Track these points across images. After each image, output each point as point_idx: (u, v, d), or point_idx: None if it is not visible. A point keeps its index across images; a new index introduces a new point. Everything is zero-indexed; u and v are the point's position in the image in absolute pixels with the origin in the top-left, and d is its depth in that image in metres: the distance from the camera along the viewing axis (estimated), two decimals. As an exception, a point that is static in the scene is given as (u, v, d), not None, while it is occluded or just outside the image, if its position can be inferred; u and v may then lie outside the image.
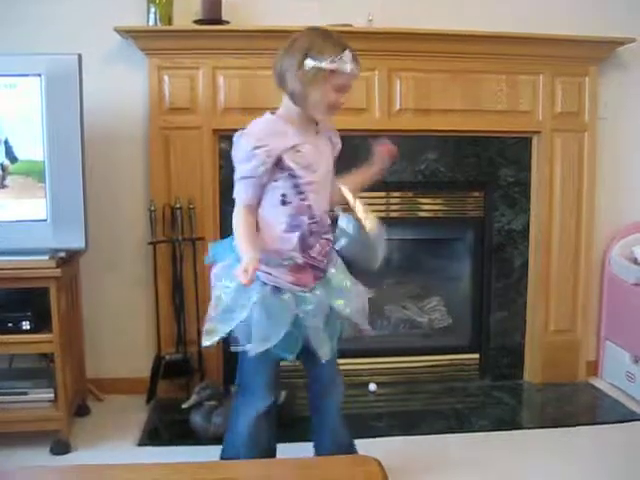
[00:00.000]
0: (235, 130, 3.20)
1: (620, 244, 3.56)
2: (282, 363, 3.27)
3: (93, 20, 3.13)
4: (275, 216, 2.20)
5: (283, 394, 3.05)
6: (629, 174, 3.59)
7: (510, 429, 3.08)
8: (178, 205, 3.17)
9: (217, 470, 1.74)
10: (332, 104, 2.15)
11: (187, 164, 3.20)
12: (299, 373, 3.42)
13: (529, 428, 3.12)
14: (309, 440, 2.81)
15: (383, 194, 3.37)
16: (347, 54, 2.10)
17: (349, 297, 2.33)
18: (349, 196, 2.25)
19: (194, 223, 3.20)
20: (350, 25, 3.16)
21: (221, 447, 2.47)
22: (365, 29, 3.19)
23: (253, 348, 2.19)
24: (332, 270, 2.32)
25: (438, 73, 3.29)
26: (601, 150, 3.49)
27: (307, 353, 2.27)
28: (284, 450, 2.68)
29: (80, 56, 2.71)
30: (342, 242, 2.23)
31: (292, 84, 2.13)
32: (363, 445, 2.69)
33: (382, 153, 2.36)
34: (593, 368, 3.65)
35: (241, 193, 2.18)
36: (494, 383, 3.56)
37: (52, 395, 2.83)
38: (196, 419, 2.91)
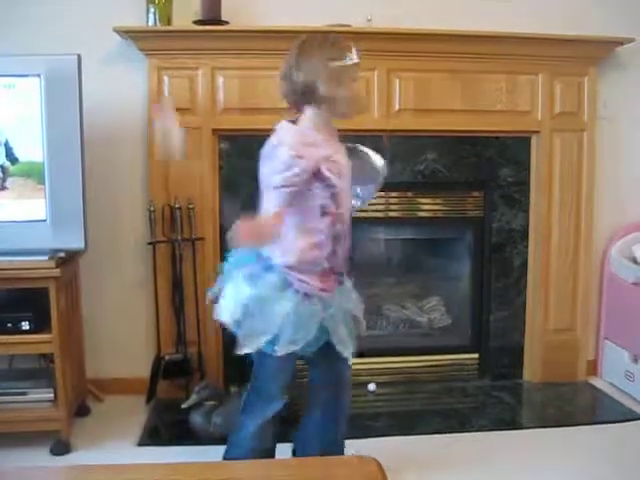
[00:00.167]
0: (234, 130, 3.24)
1: (619, 243, 3.56)
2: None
3: (92, 21, 3.13)
4: (315, 225, 2.21)
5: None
6: (628, 174, 3.59)
7: (510, 429, 3.08)
8: (177, 205, 3.17)
9: (217, 470, 1.73)
10: (356, 95, 2.27)
11: (186, 164, 3.19)
12: (297, 373, 3.45)
13: (529, 428, 3.12)
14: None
15: (383, 194, 3.36)
16: (352, 46, 2.20)
17: (355, 300, 2.39)
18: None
19: (193, 223, 3.20)
20: (349, 25, 3.16)
21: (224, 447, 2.46)
22: (364, 29, 3.19)
23: (279, 351, 2.21)
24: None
25: (437, 73, 3.29)
26: (600, 150, 3.49)
27: (325, 354, 2.29)
28: (284, 450, 2.69)
29: (79, 56, 2.72)
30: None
31: (324, 90, 2.16)
32: (362, 445, 2.70)
33: None
34: (592, 367, 3.66)
35: (278, 201, 2.15)
36: (494, 383, 3.56)
37: (52, 395, 2.83)
38: (196, 419, 2.91)
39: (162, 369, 3.20)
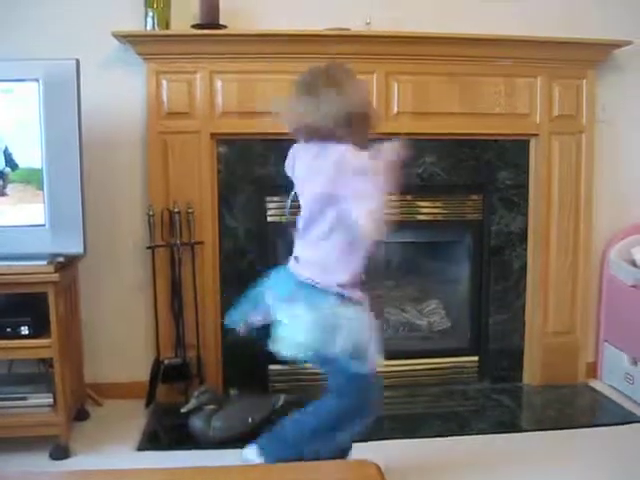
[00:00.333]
0: (233, 134, 3.24)
1: (618, 246, 3.56)
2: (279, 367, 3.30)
3: (91, 25, 3.13)
4: (359, 240, 2.27)
5: (282, 398, 3.06)
6: (627, 176, 3.59)
7: (510, 431, 3.08)
8: (176, 209, 3.17)
9: (217, 475, 1.73)
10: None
11: (185, 168, 3.20)
12: (295, 377, 3.45)
13: (528, 430, 3.11)
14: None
15: (381, 197, 3.36)
16: None
17: None
18: None
19: (193, 227, 3.20)
20: (348, 29, 3.17)
21: (224, 451, 2.46)
22: (363, 32, 3.19)
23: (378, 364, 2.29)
24: None
25: (436, 76, 3.29)
26: (599, 152, 3.49)
27: None
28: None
29: (78, 61, 2.71)
30: None
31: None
32: (362, 448, 2.70)
33: None
34: (592, 370, 3.66)
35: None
36: (493, 385, 3.56)
37: (51, 400, 2.83)
38: (195, 423, 2.91)
39: (161, 373, 3.20)
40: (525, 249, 3.52)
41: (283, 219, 2.54)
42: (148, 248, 3.20)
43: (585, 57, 3.38)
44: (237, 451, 2.77)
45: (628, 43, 3.35)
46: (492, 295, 3.54)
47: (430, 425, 3.12)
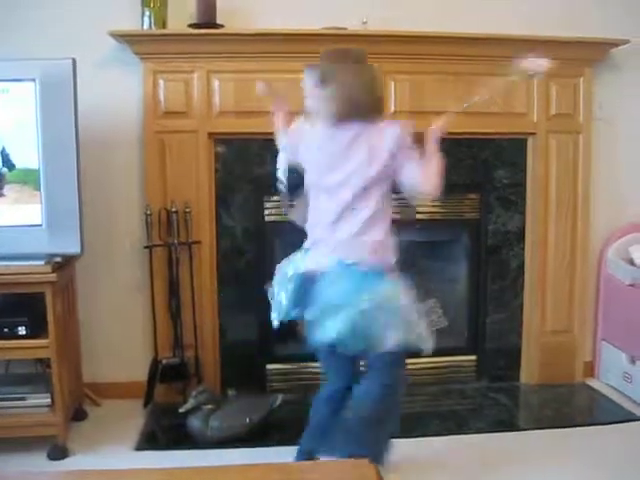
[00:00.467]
0: (230, 134, 3.24)
1: (616, 245, 3.57)
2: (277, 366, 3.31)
3: (88, 24, 3.13)
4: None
5: (279, 398, 3.06)
6: (624, 175, 3.59)
7: (507, 430, 3.08)
8: (174, 209, 3.17)
9: (215, 475, 1.73)
10: None
11: (183, 168, 3.20)
12: (292, 376, 3.45)
13: (526, 429, 3.12)
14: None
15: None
16: None
17: None
18: None
19: (190, 227, 3.20)
20: (345, 28, 3.16)
21: (222, 451, 2.46)
22: (359, 32, 3.19)
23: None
24: None
25: (433, 75, 3.29)
26: (596, 151, 3.49)
27: None
28: (280, 453, 2.70)
29: (74, 61, 2.71)
30: None
31: None
32: (360, 448, 2.70)
33: None
34: (590, 369, 3.66)
35: None
36: (491, 384, 3.56)
37: (49, 400, 2.83)
38: (194, 423, 2.91)
39: (159, 373, 3.20)
40: (522, 248, 3.52)
41: (286, 217, 2.53)
42: (145, 248, 3.20)
43: (582, 56, 3.38)
44: (235, 451, 2.79)
45: (625, 42, 3.35)
46: (490, 294, 3.54)
47: (428, 424, 3.13)
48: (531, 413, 3.41)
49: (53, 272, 2.71)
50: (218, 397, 3.07)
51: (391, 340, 2.25)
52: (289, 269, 2.43)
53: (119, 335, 3.38)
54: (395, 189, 2.40)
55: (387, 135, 2.29)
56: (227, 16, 3.16)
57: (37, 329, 2.77)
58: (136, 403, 3.22)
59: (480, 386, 3.56)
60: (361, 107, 2.31)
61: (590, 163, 3.47)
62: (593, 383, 3.59)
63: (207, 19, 3.13)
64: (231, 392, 3.18)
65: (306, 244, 2.43)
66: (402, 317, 2.30)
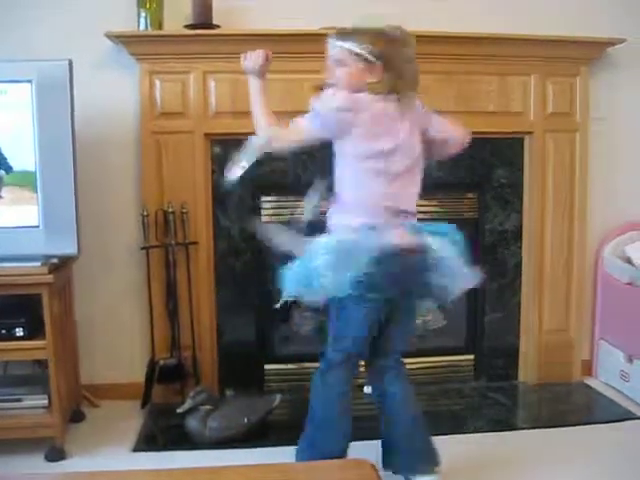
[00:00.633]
0: (227, 134, 3.24)
1: (613, 243, 3.57)
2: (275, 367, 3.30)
3: (83, 26, 3.13)
4: None
5: (278, 398, 3.05)
6: (621, 174, 3.59)
7: (505, 430, 3.08)
8: (171, 210, 3.17)
9: (213, 475, 1.73)
10: None
11: (179, 168, 3.20)
12: (291, 377, 3.45)
13: (524, 428, 3.12)
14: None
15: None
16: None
17: None
18: None
19: (187, 228, 3.20)
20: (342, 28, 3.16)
21: (220, 451, 2.45)
22: (356, 32, 3.19)
23: None
24: None
25: (429, 75, 3.27)
26: (593, 150, 3.49)
27: None
28: (278, 454, 2.69)
29: (71, 62, 2.70)
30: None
31: None
32: (357, 448, 2.70)
33: None
34: (587, 368, 3.66)
35: None
36: (489, 384, 3.56)
37: (46, 401, 2.82)
38: (192, 424, 2.91)
39: (157, 374, 3.20)
40: (520, 247, 3.52)
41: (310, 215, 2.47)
42: (142, 249, 3.19)
43: (579, 55, 3.39)
44: (233, 451, 2.79)
45: (622, 41, 3.35)
46: (487, 293, 3.54)
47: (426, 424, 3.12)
48: (529, 412, 3.41)
49: (50, 273, 2.71)
50: (216, 397, 3.06)
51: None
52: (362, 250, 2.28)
53: (116, 336, 3.37)
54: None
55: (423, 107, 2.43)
56: (223, 17, 3.16)
57: (34, 330, 2.77)
58: (134, 404, 3.22)
59: (478, 385, 3.56)
60: (408, 80, 2.35)
61: (587, 162, 3.47)
62: (591, 382, 3.59)
63: (203, 20, 3.13)
64: (229, 392, 3.18)
65: (361, 222, 2.29)
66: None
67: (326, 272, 2.21)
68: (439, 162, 3.31)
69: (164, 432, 3.01)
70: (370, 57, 2.28)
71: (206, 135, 3.22)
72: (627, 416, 3.18)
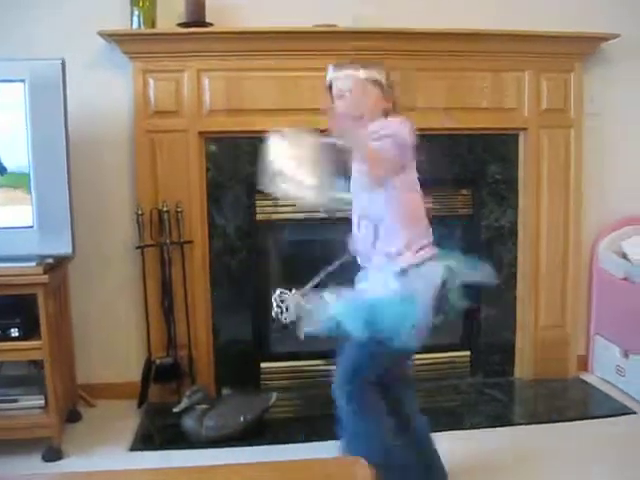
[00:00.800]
0: (221, 132, 3.24)
1: (608, 239, 3.57)
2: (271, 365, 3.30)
3: (76, 25, 3.12)
4: None
5: (274, 396, 3.05)
6: (615, 169, 3.59)
7: (502, 425, 3.08)
8: (165, 208, 3.16)
9: (210, 474, 1.73)
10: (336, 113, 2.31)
11: (174, 167, 3.20)
12: (286, 375, 3.45)
13: (521, 424, 3.12)
14: (295, 442, 2.84)
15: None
16: (330, 65, 2.34)
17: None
18: None
19: (182, 226, 3.19)
20: (335, 25, 3.16)
21: (216, 450, 2.44)
22: (349, 29, 3.19)
23: None
24: None
25: (424, 71, 3.28)
26: (587, 146, 3.49)
27: None
28: (274, 452, 2.70)
29: (64, 61, 2.70)
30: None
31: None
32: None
33: None
34: (583, 363, 3.66)
35: None
36: (485, 380, 3.56)
37: (43, 402, 2.82)
38: (188, 423, 2.91)
39: (153, 373, 3.19)
40: (515, 243, 3.52)
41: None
42: (137, 248, 3.19)
43: (573, 50, 3.39)
44: (230, 450, 2.79)
45: (615, 36, 3.35)
46: (483, 290, 3.53)
47: (423, 420, 3.13)
48: (525, 408, 3.42)
49: (45, 273, 2.70)
50: (212, 396, 3.06)
51: None
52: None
53: (112, 336, 3.37)
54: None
55: None
56: (216, 15, 3.15)
57: (30, 331, 2.77)
58: (130, 403, 3.22)
59: (475, 382, 3.56)
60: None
61: (581, 157, 3.47)
62: (587, 377, 3.60)
63: (196, 18, 3.12)
64: (226, 391, 3.18)
65: (427, 247, 2.36)
66: None
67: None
68: (434, 159, 3.34)
69: (160, 431, 3.01)
70: (387, 84, 2.33)
71: (200, 133, 3.21)
72: (623, 411, 3.18)
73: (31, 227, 2.73)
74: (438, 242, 2.41)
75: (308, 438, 2.91)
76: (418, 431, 2.45)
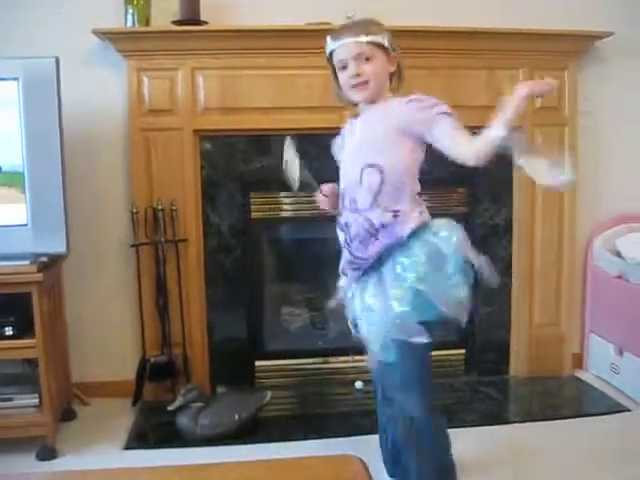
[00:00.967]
0: (216, 130, 3.23)
1: (602, 237, 3.58)
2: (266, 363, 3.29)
3: (70, 23, 3.12)
4: None
5: (268, 394, 3.05)
6: (609, 167, 3.60)
7: (497, 423, 3.08)
8: (160, 207, 3.16)
9: (204, 472, 1.73)
10: (346, 83, 2.22)
11: (168, 165, 3.19)
12: (281, 373, 3.46)
13: (516, 422, 3.12)
14: (290, 440, 2.83)
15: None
16: (328, 36, 2.26)
17: (386, 297, 2.16)
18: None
19: (176, 224, 3.19)
20: (329, 23, 3.15)
21: (211, 449, 2.43)
22: (344, 27, 3.18)
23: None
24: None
25: (417, 70, 3.25)
26: (581, 144, 3.50)
27: None
28: (269, 450, 2.69)
29: (58, 59, 2.70)
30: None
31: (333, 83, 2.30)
32: (349, 443, 2.71)
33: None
34: (578, 361, 3.67)
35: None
36: (480, 378, 3.56)
37: (37, 400, 2.81)
38: (183, 421, 2.90)
39: (148, 371, 3.19)
40: (510, 241, 3.52)
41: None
42: (132, 246, 3.19)
43: (567, 48, 3.39)
44: (224, 448, 2.79)
45: (609, 34, 3.35)
46: (478, 288, 3.53)
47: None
48: (520, 406, 3.42)
49: (39, 272, 2.70)
50: (207, 395, 3.06)
51: None
52: None
53: (107, 334, 3.37)
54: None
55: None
56: (211, 12, 3.15)
57: (24, 329, 2.76)
58: (125, 402, 3.21)
59: (469, 380, 3.57)
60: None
61: (576, 156, 3.47)
62: (582, 375, 3.60)
63: (190, 16, 3.12)
64: (220, 389, 3.18)
65: (424, 212, 2.31)
66: None
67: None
68: (429, 157, 3.33)
69: (155, 430, 3.00)
70: (391, 47, 2.25)
71: (195, 131, 3.21)
72: (618, 408, 3.19)
73: (25, 225, 2.73)
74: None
75: (303, 436, 2.91)
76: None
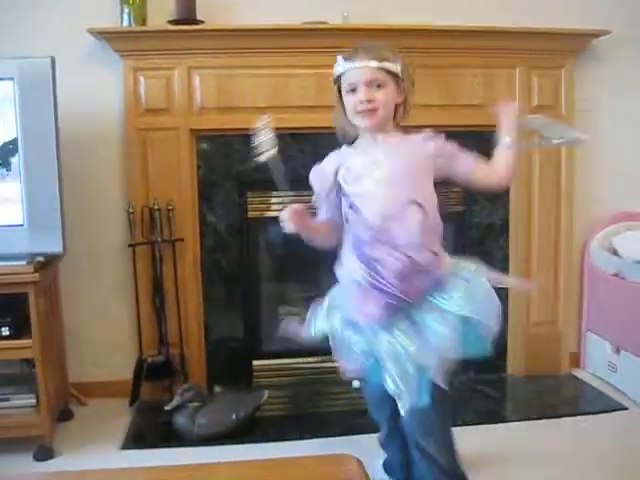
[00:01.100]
0: (212, 130, 3.23)
1: (599, 235, 3.58)
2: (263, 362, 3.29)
3: (66, 22, 3.11)
4: (345, 236, 2.17)
5: (266, 394, 3.05)
6: (607, 166, 3.60)
7: (494, 422, 3.09)
8: (156, 206, 3.16)
9: (202, 472, 1.73)
10: (352, 108, 2.12)
11: (165, 165, 3.19)
12: (278, 372, 3.45)
13: (513, 421, 3.12)
14: (287, 439, 2.82)
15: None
16: (340, 57, 2.18)
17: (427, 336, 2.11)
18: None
19: (173, 224, 3.19)
20: (325, 22, 3.16)
21: (209, 448, 2.42)
22: (340, 26, 3.18)
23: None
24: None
25: (415, 69, 3.28)
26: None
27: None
28: (266, 450, 2.69)
29: (53, 59, 2.69)
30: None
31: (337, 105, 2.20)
32: (346, 442, 2.71)
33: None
34: (575, 359, 3.67)
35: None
36: (477, 377, 3.56)
37: (34, 401, 2.81)
38: (180, 421, 2.90)
39: (145, 371, 3.19)
40: (507, 240, 3.53)
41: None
42: (129, 246, 3.18)
43: (564, 47, 3.39)
44: (222, 447, 2.79)
45: (606, 32, 3.35)
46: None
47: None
48: (518, 404, 3.42)
49: (35, 272, 2.70)
50: (204, 394, 3.06)
51: None
52: None
53: (104, 334, 3.36)
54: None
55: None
56: (207, 12, 3.15)
57: (21, 329, 2.76)
58: (122, 402, 3.21)
59: (467, 378, 3.56)
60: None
61: (573, 154, 3.48)
62: (579, 373, 3.60)
63: (187, 15, 3.11)
64: (218, 389, 3.18)
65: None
66: None
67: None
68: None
69: (152, 429, 3.00)
70: (401, 75, 2.18)
71: (191, 131, 3.21)
72: (615, 407, 3.19)
73: (21, 225, 2.72)
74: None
75: (300, 435, 2.91)
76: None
